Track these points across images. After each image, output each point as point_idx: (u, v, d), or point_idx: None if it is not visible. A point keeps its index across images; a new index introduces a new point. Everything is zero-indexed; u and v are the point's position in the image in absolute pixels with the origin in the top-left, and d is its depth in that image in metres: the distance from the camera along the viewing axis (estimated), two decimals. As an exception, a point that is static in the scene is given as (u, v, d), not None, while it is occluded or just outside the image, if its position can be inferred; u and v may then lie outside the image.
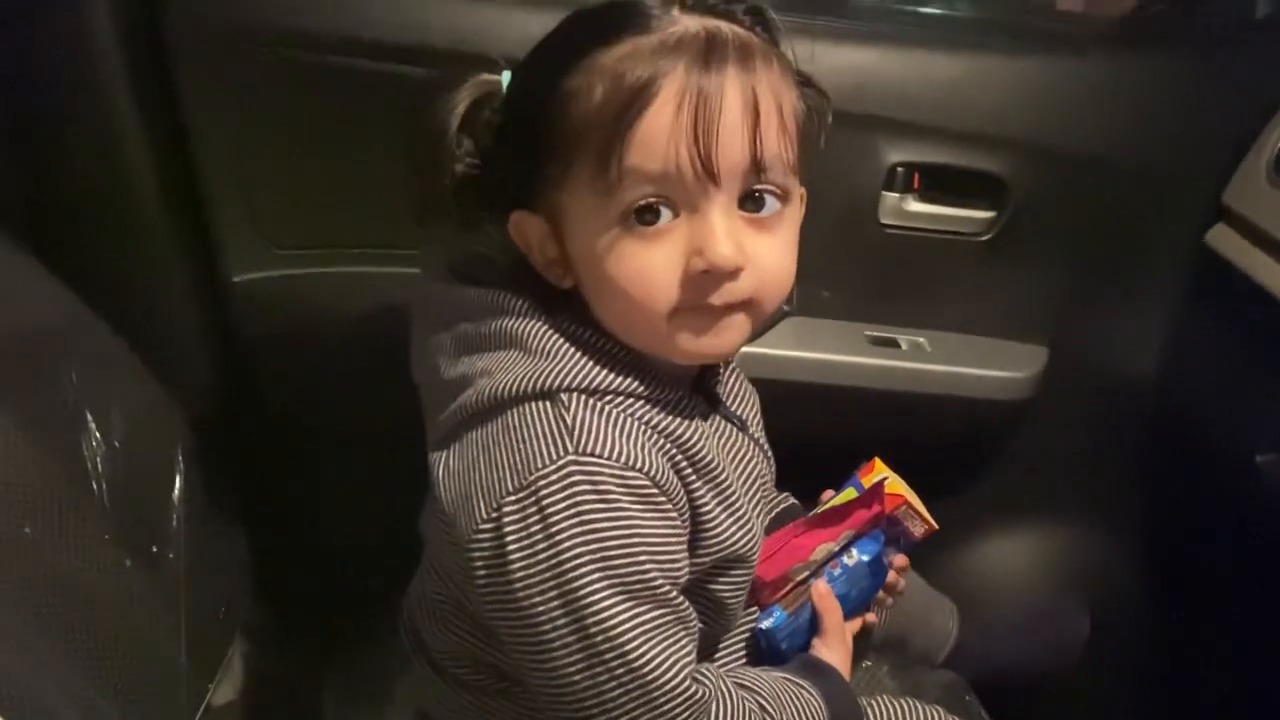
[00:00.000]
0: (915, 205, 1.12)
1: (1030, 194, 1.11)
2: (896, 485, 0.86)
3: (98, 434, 0.77)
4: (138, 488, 0.81)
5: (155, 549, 0.82)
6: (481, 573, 0.63)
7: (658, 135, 0.60)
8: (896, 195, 1.11)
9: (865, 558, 0.84)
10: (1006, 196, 1.11)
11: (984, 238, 1.13)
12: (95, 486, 0.76)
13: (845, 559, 0.84)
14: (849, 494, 0.86)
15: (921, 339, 1.16)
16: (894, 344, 1.15)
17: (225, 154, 1.00)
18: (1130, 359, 1.19)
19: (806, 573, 0.84)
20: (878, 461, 0.88)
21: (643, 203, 0.61)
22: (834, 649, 0.81)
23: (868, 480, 0.86)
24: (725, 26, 0.63)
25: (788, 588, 0.84)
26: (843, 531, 0.85)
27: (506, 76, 0.69)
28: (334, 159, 1.00)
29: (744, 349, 1.10)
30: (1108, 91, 1.11)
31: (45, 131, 0.94)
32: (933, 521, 0.86)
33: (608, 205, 0.62)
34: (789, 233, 0.67)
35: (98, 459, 0.77)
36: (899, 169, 1.10)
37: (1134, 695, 1.20)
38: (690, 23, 0.63)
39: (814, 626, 0.82)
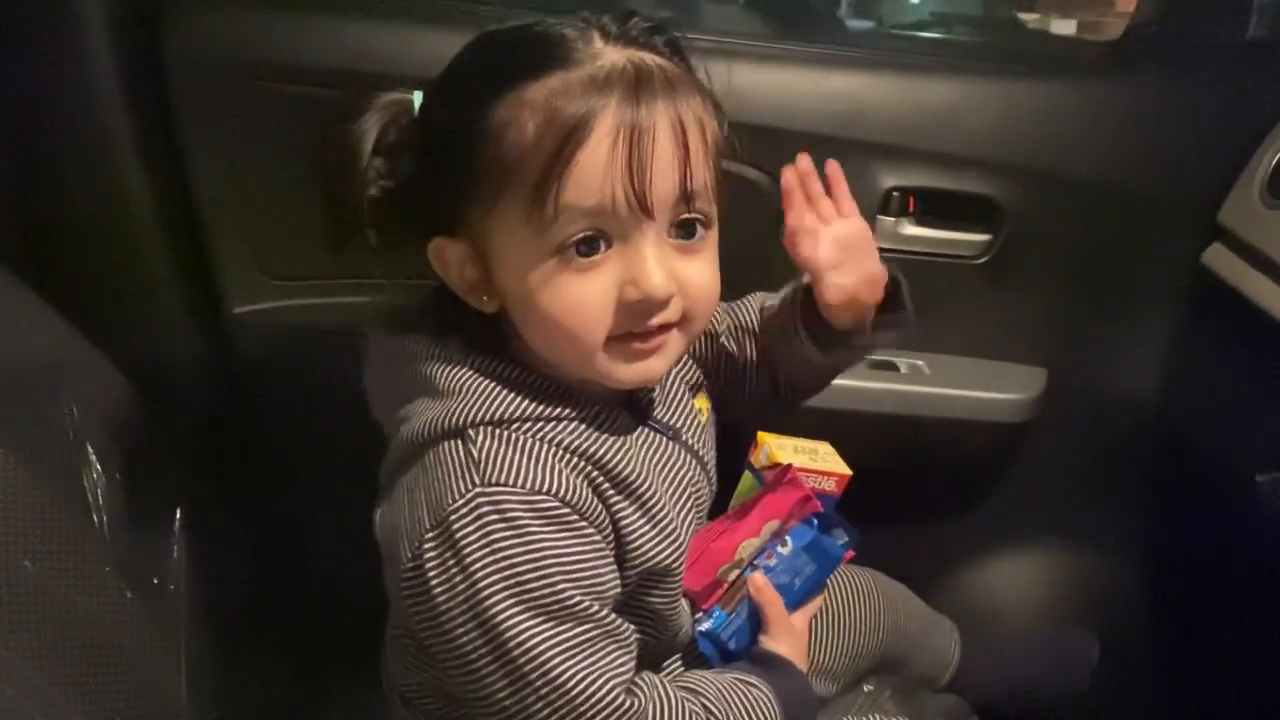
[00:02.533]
0: (910, 229, 1.13)
1: (1025, 217, 1.11)
2: (777, 454, 0.84)
3: (98, 466, 0.78)
4: (138, 519, 0.81)
5: (156, 580, 0.83)
6: (412, 609, 0.65)
7: (593, 172, 0.61)
8: (892, 219, 1.12)
9: (800, 544, 0.82)
10: (1002, 219, 1.11)
11: (980, 261, 1.13)
12: (96, 518, 0.76)
13: (780, 548, 0.83)
14: (747, 479, 0.85)
15: (920, 362, 1.16)
16: (893, 367, 1.15)
17: (223, 186, 1.01)
18: (1129, 379, 1.19)
19: (736, 571, 0.83)
20: (760, 435, 0.86)
21: (578, 237, 0.62)
22: (780, 639, 0.80)
23: (755, 458, 0.85)
24: (649, 59, 0.64)
25: (721, 590, 0.83)
26: (763, 523, 0.83)
27: (418, 97, 0.69)
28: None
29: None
30: (1101, 114, 1.12)
31: (44, 164, 0.95)
32: (843, 468, 0.85)
33: (541, 239, 0.63)
34: (712, 253, 0.69)
35: (98, 491, 0.77)
36: (894, 193, 1.11)
37: (1138, 718, 1.19)
38: (615, 56, 0.63)
39: (758, 619, 0.81)
